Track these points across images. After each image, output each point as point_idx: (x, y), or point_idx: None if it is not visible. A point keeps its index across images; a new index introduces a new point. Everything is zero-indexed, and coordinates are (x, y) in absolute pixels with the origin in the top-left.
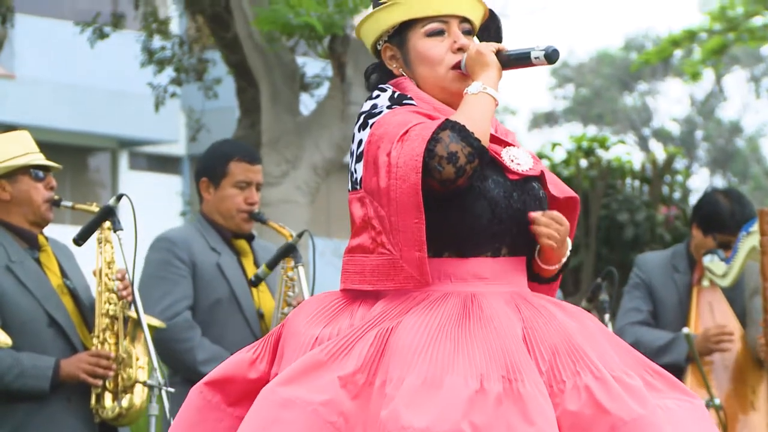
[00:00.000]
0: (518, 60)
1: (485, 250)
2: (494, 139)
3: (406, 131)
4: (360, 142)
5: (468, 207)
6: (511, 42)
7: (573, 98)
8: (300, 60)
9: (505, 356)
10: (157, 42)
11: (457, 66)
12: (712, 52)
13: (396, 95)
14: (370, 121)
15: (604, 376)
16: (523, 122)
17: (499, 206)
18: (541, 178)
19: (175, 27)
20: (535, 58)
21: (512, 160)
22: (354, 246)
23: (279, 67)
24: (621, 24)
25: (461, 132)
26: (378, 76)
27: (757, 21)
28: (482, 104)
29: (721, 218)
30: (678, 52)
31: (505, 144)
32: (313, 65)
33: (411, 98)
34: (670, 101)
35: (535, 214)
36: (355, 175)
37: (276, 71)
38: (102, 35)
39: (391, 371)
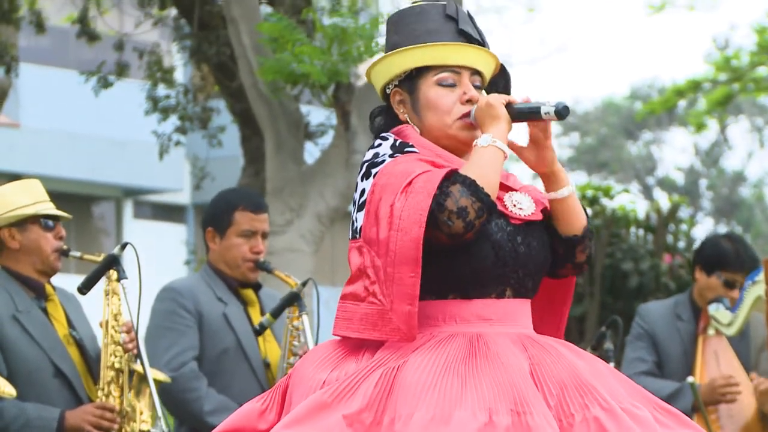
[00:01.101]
0: (528, 114)
1: (489, 292)
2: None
3: (410, 182)
4: (363, 191)
5: (473, 250)
6: (515, 91)
7: (578, 147)
8: (304, 109)
9: (513, 390)
10: (161, 90)
11: (465, 116)
12: (716, 102)
13: (398, 143)
14: (373, 171)
15: (612, 407)
16: (528, 170)
17: (503, 249)
18: (545, 222)
19: (179, 75)
20: (545, 113)
21: (515, 205)
22: (347, 293)
23: (283, 116)
24: (626, 73)
25: (471, 187)
26: (383, 119)
27: (762, 71)
28: (492, 157)
29: (724, 256)
30: (683, 102)
31: (507, 189)
32: (317, 114)
33: (413, 145)
34: (675, 150)
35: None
36: (355, 224)
37: (280, 120)
38: (106, 84)
39: (400, 408)
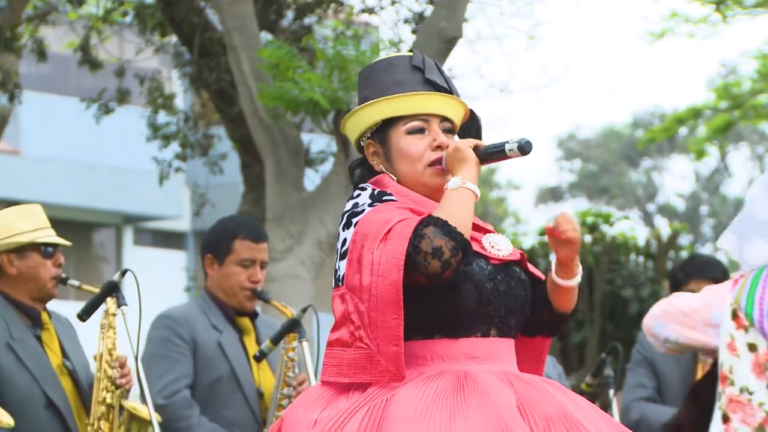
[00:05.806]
0: (494, 153)
1: (475, 331)
2: (475, 227)
3: (389, 230)
4: (344, 241)
5: (456, 290)
6: (516, 118)
7: (579, 172)
8: (305, 136)
9: (501, 423)
10: (162, 117)
11: (435, 162)
12: (717, 130)
13: (376, 192)
14: (354, 220)
15: None
16: (528, 197)
17: (485, 288)
18: (522, 262)
19: (180, 102)
20: (509, 150)
21: (492, 246)
22: (333, 340)
23: (284, 143)
24: (627, 100)
25: (444, 227)
26: (361, 171)
27: (762, 98)
28: (462, 199)
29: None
30: (683, 129)
31: (485, 231)
32: (317, 141)
33: (391, 194)
34: (676, 177)
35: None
36: (338, 273)
37: (281, 147)
38: (107, 111)
39: None
